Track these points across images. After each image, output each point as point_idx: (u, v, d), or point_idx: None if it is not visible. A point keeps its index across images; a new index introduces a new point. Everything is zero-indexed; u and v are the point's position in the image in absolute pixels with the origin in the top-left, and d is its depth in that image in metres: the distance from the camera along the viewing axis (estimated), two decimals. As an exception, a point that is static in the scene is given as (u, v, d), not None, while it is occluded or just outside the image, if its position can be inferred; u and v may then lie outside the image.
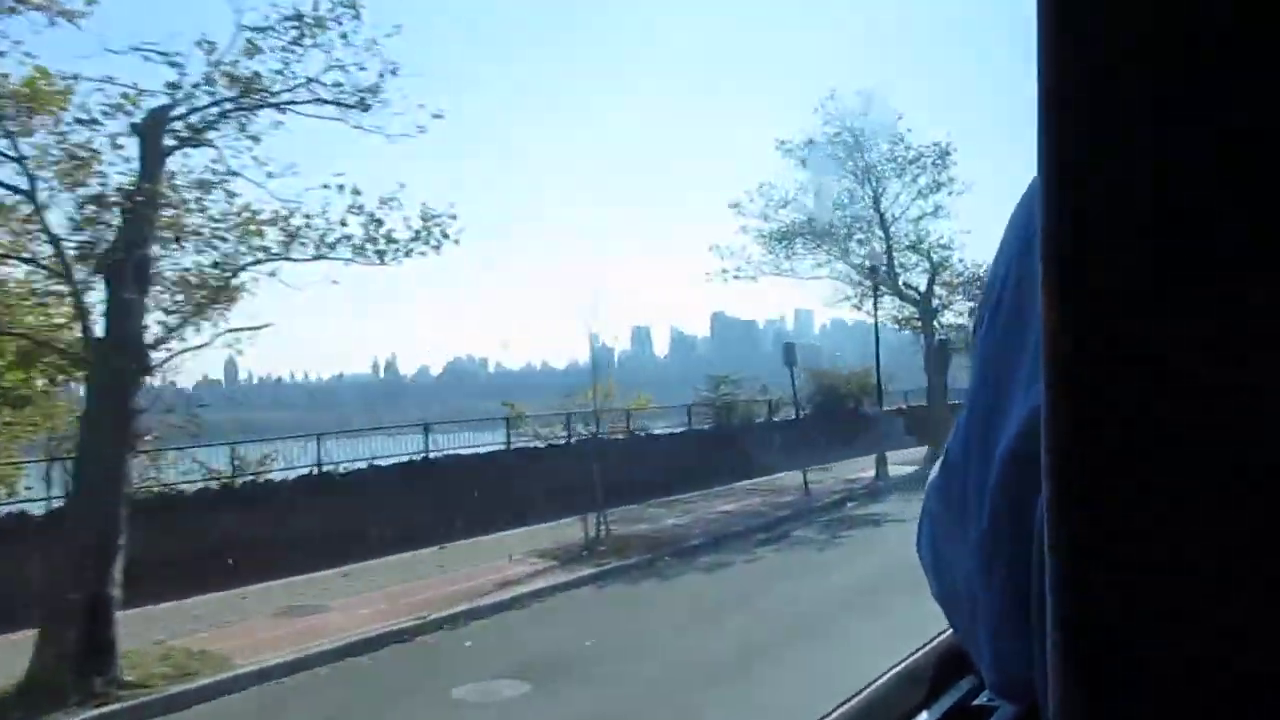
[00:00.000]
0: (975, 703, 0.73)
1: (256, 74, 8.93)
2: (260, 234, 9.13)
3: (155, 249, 8.57)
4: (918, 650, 0.80)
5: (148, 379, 8.33)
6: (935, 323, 23.81)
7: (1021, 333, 0.54)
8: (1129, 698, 0.29)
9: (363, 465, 14.89)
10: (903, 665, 0.79)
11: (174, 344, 8.56)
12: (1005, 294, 0.57)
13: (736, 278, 23.61)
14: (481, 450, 16.76)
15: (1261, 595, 0.28)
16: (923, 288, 23.77)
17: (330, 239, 9.49)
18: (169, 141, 8.64)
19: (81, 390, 8.68)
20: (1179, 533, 0.29)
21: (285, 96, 9.15)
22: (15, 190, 8.08)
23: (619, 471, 14.88)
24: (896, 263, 23.72)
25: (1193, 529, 0.28)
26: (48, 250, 8.15)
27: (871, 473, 19.94)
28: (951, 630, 0.68)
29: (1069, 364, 0.30)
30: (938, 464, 0.62)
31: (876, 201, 23.79)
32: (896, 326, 24.34)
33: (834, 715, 0.77)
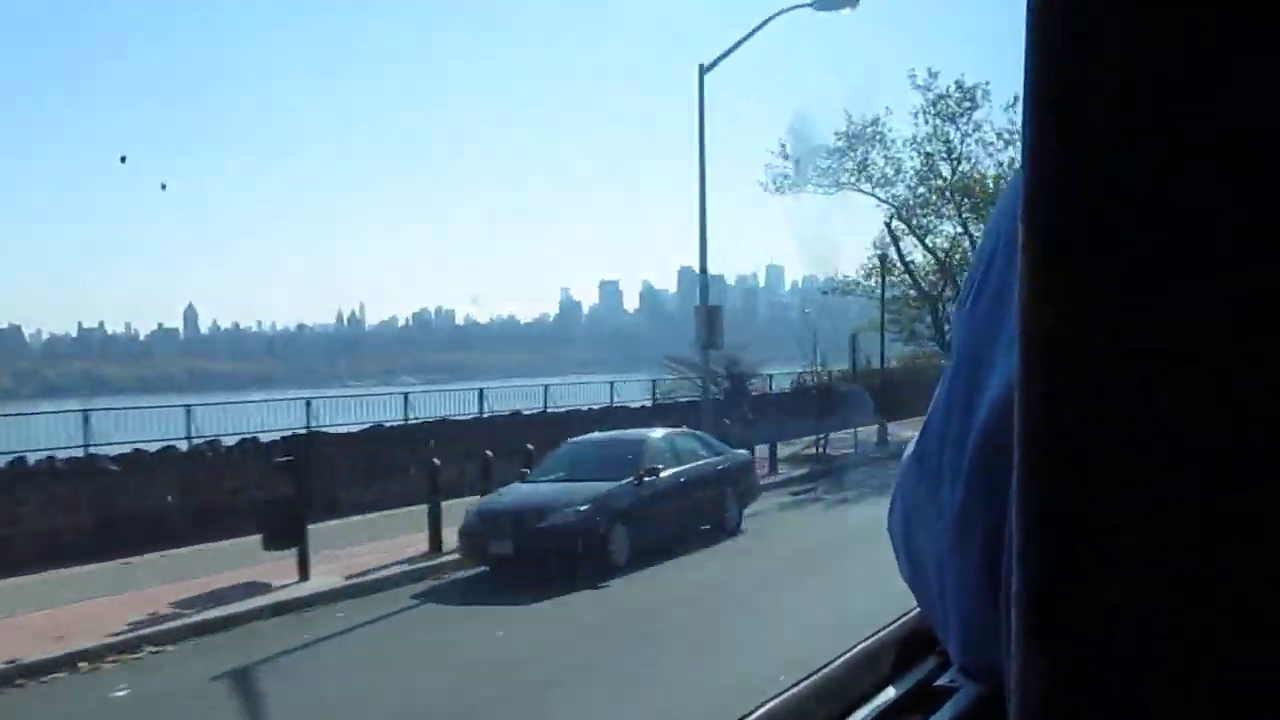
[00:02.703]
0: (938, 683, 0.71)
1: None
2: None
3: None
4: (880, 630, 0.78)
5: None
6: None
7: (1005, 310, 0.53)
8: (1092, 672, 0.29)
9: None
10: (863, 645, 0.77)
11: None
12: (994, 269, 0.56)
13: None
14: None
15: (1240, 584, 0.28)
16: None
17: None
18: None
19: None
20: (1150, 514, 0.29)
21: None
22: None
23: None
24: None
25: (1165, 510, 0.29)
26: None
27: None
28: (918, 610, 0.67)
29: (1057, 355, 0.30)
30: (913, 439, 0.61)
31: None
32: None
33: (792, 692, 0.75)
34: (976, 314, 0.56)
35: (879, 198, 23.86)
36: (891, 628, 0.77)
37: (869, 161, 23.34)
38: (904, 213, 23.80)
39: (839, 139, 23.77)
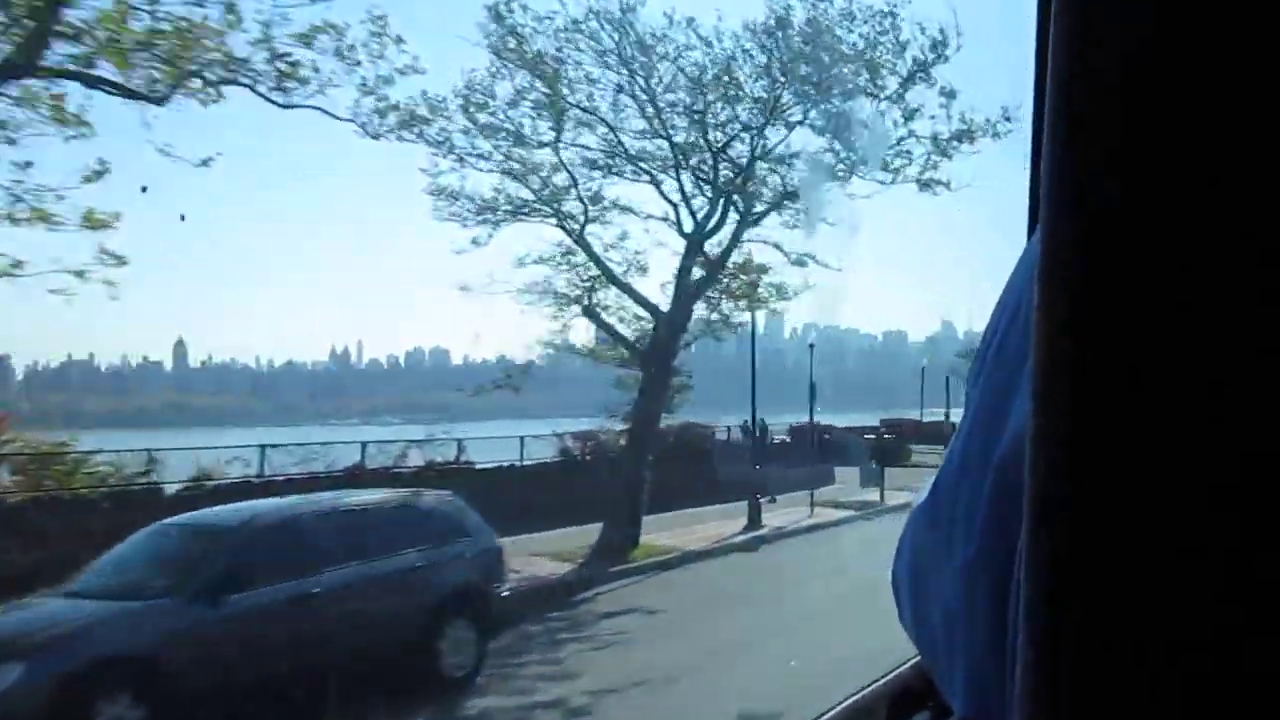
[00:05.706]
0: (929, 739, 0.71)
1: None
2: None
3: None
4: (872, 684, 0.78)
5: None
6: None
7: (1023, 366, 0.54)
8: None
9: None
10: (855, 699, 0.77)
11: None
12: (1014, 330, 0.57)
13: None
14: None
15: (1250, 621, 0.28)
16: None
17: None
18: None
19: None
20: (1164, 552, 0.28)
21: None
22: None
23: None
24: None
25: (1182, 546, 0.28)
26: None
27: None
28: (910, 664, 0.67)
29: (1066, 381, 0.30)
30: (925, 487, 0.61)
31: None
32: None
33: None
34: (1000, 366, 0.57)
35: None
36: (883, 682, 0.77)
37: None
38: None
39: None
